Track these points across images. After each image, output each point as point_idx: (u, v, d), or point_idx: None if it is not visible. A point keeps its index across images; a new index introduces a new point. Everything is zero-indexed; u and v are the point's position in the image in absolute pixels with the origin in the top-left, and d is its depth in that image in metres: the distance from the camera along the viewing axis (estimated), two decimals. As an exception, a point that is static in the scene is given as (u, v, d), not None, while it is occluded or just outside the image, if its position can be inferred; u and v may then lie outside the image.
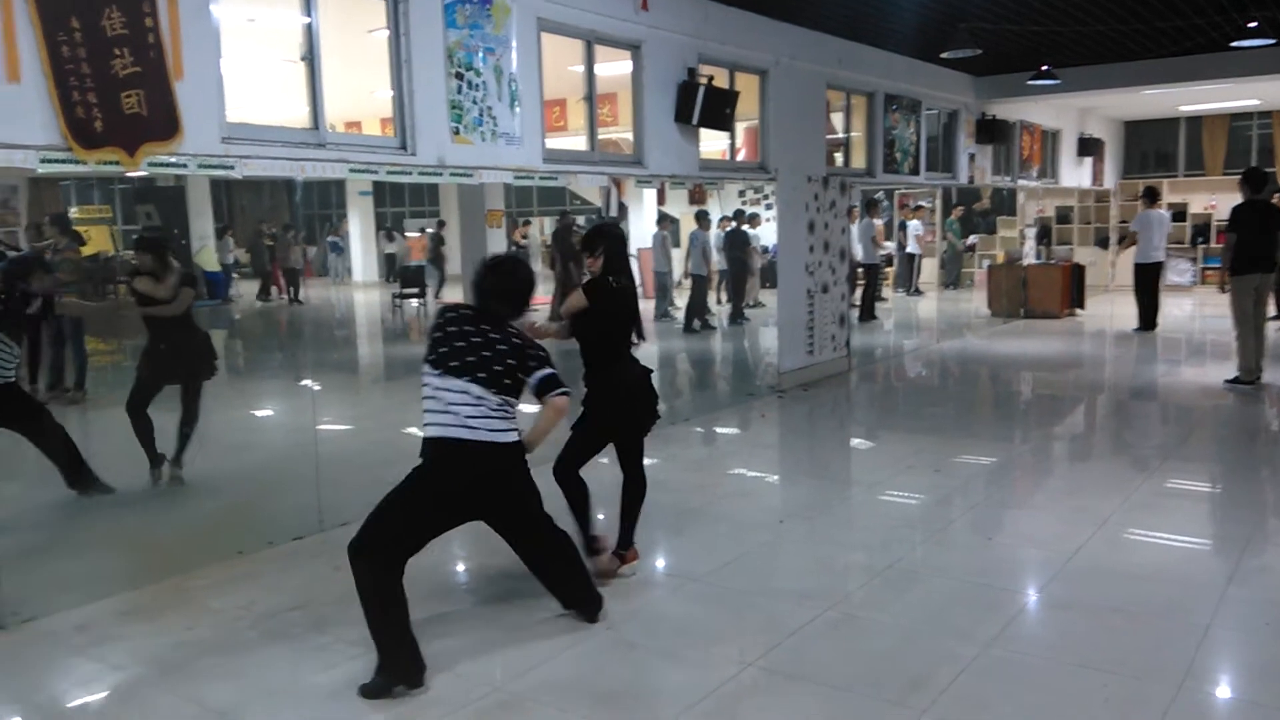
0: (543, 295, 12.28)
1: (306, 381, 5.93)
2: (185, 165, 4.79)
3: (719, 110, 8.07)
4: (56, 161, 4.32)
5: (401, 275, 17.76)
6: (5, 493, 5.67)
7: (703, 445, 7.70)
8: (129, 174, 4.90)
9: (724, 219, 15.60)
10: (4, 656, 3.94)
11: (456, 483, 3.71)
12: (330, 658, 3.83)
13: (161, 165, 4.69)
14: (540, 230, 22.29)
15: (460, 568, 5.00)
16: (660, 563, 4.85)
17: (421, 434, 3.77)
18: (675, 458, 7.00)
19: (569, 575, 4.11)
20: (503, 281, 3.87)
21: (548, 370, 3.78)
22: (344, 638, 3.99)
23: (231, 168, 5.00)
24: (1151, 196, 13.07)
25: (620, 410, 4.50)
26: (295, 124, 5.57)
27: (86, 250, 12.87)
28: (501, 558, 4.90)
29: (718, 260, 15.04)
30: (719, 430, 8.12)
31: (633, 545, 4.64)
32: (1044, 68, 11.39)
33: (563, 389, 3.79)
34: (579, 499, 4.49)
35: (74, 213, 18.24)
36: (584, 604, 4.11)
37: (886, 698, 3.45)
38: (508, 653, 3.85)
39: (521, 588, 4.45)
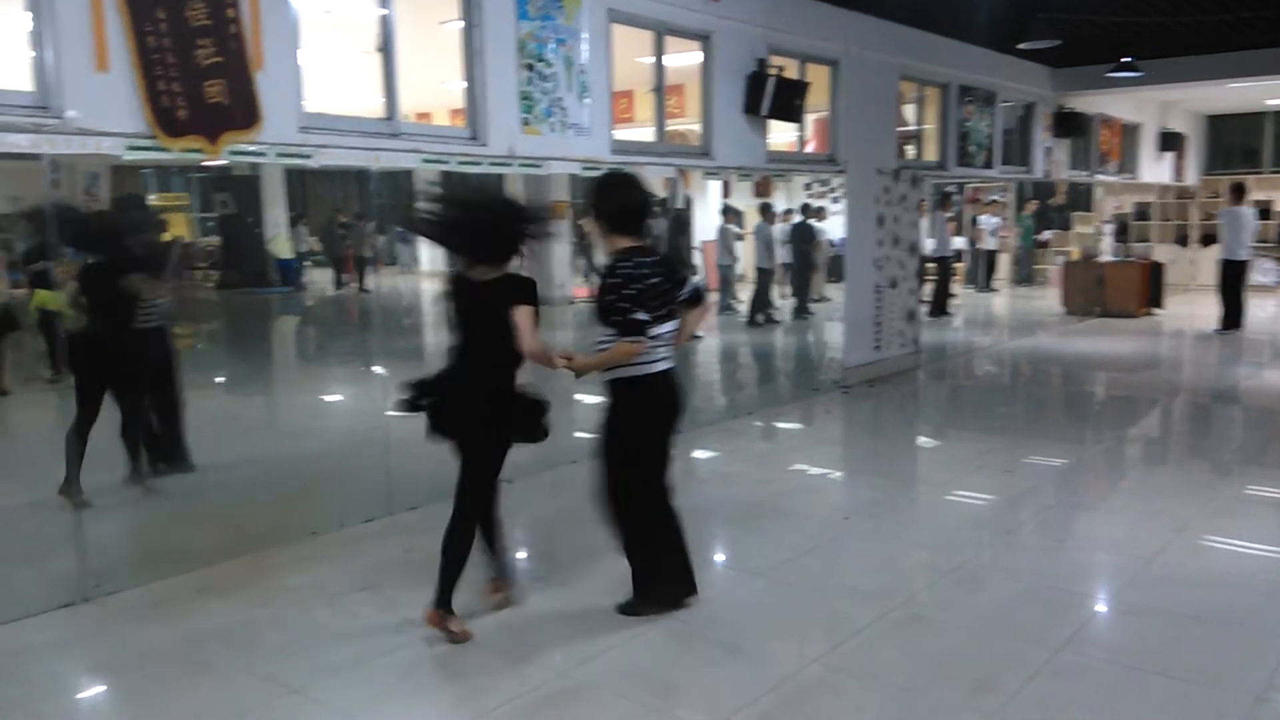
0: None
1: (376, 368, 6.02)
2: (264, 154, 4.90)
3: (789, 101, 7.99)
4: (142, 149, 4.45)
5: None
6: (90, 469, 5.86)
7: (766, 440, 7.66)
8: (208, 162, 5.01)
9: (787, 212, 15.46)
10: (86, 628, 4.09)
11: (681, 404, 4.03)
12: (398, 639, 3.89)
13: (241, 154, 4.80)
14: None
15: (523, 554, 5.05)
16: (722, 556, 4.84)
17: (636, 373, 3.86)
18: (738, 452, 6.98)
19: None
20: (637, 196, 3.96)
21: (692, 280, 4.08)
22: (411, 619, 4.05)
23: (309, 157, 5.10)
24: (1239, 192, 12.64)
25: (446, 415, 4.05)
26: (369, 114, 5.65)
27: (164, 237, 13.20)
28: (564, 545, 4.94)
29: (782, 254, 14.91)
30: (782, 425, 8.07)
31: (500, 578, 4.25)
32: (1125, 60, 11.07)
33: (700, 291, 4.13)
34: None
35: (153, 200, 18.76)
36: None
37: (953, 699, 3.39)
38: (570, 639, 3.87)
39: (585, 575, 4.48)
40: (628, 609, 4.06)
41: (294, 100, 5.01)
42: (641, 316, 3.74)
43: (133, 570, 4.60)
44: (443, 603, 3.84)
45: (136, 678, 3.70)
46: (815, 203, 15.57)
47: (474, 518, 4.03)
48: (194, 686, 3.59)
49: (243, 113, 4.72)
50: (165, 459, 6.04)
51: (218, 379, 9.02)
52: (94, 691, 3.65)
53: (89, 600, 4.29)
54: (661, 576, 4.05)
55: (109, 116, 4.32)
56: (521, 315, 3.74)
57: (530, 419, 4.02)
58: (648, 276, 3.80)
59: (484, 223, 3.86)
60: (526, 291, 3.80)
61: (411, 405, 4.00)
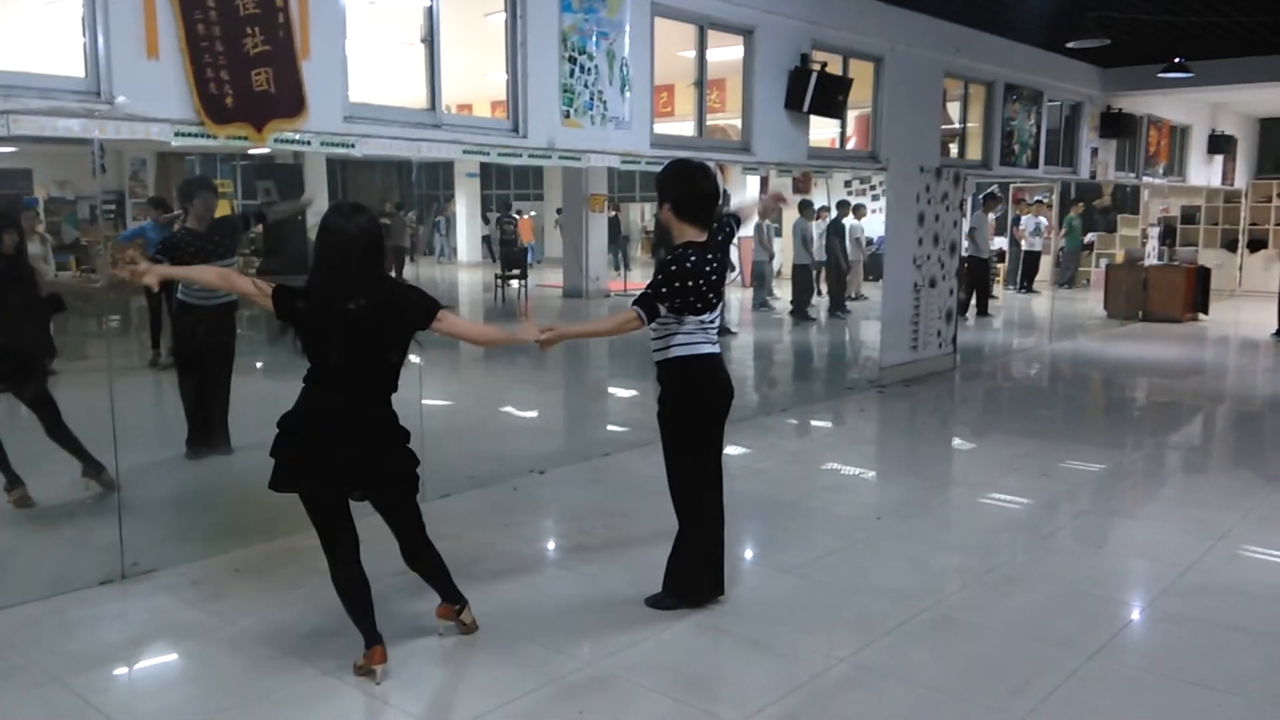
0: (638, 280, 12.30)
1: (412, 357, 6.06)
2: (309, 142, 4.95)
3: (831, 97, 7.95)
4: (189, 135, 4.51)
5: (504, 256, 18.01)
6: (128, 448, 5.96)
7: (798, 437, 7.63)
8: (252, 150, 5.08)
9: (821, 209, 15.33)
10: (124, 606, 4.17)
11: (728, 387, 4.03)
12: (427, 624, 3.93)
13: (287, 142, 4.86)
14: (641, 217, 22.34)
15: (550, 545, 5.08)
16: (751, 553, 4.83)
17: (685, 353, 3.88)
18: (771, 449, 6.96)
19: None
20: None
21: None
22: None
23: (352, 146, 5.15)
24: None
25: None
26: (412, 105, 5.70)
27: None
28: (595, 538, 4.96)
29: (818, 250, 14.83)
30: (816, 423, 8.03)
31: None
32: (1176, 60, 10.86)
33: None
34: None
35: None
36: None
37: (983, 702, 3.37)
38: (599, 630, 3.89)
39: (614, 567, 4.50)
40: (656, 602, 4.07)
41: (339, 90, 5.06)
42: (661, 307, 3.80)
43: (171, 549, 4.68)
44: (450, 597, 3.81)
45: (171, 655, 3.77)
46: (853, 200, 15.46)
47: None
48: (227, 666, 3.65)
49: (289, 101, 4.78)
50: (207, 440, 6.14)
51: (257, 363, 9.15)
52: (128, 668, 3.71)
53: (127, 578, 4.38)
54: (695, 572, 4.05)
55: (158, 102, 4.39)
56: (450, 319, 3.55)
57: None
58: (700, 270, 3.83)
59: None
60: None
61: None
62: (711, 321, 3.95)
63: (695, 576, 4.07)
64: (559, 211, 21.67)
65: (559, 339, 3.86)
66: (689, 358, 3.90)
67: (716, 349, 3.99)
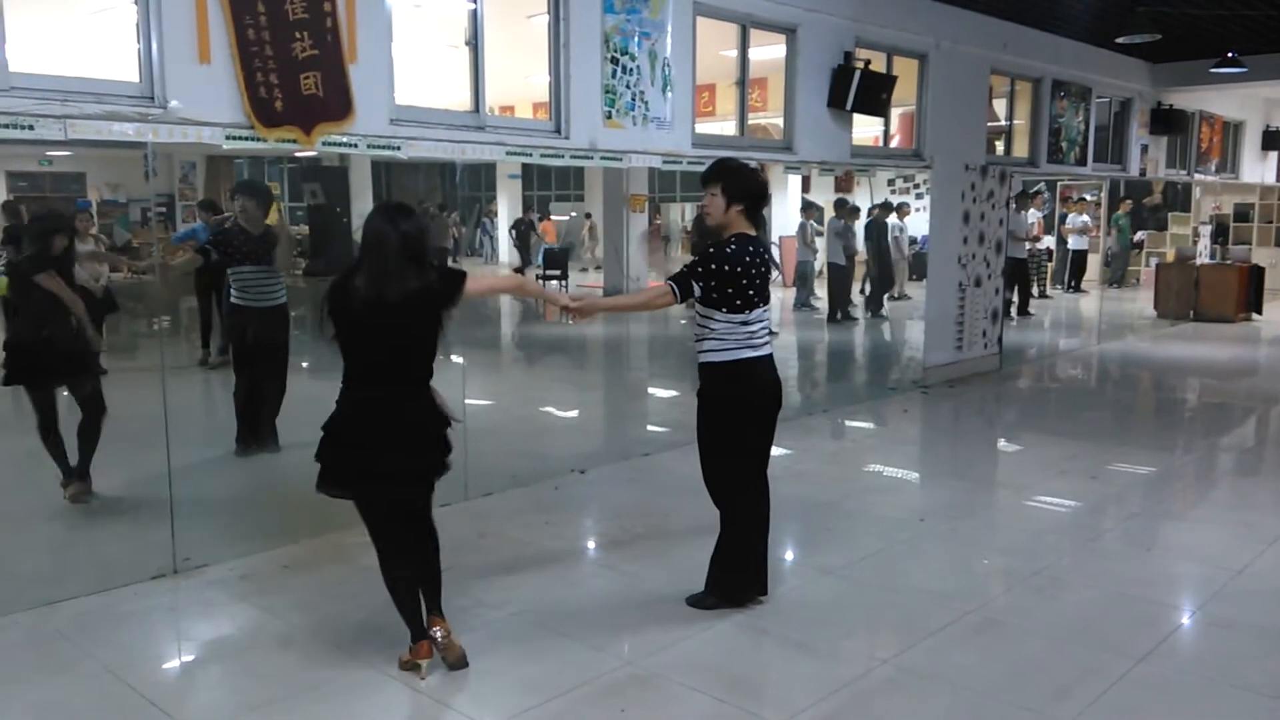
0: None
1: (455, 357, 6.12)
2: (355, 145, 5.03)
3: (875, 95, 7.90)
4: (240, 139, 4.60)
5: (545, 257, 18.11)
6: (180, 446, 6.08)
7: (841, 438, 7.58)
8: (299, 153, 5.16)
9: (853, 208, 15.13)
10: (176, 600, 4.26)
11: (772, 391, 4.00)
12: (471, 620, 3.97)
13: (334, 145, 4.94)
14: (681, 217, 22.31)
15: (591, 544, 5.10)
16: (792, 554, 4.82)
17: (716, 359, 3.88)
18: (812, 450, 6.93)
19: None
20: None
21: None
22: (484, 600, 4.13)
23: (398, 148, 5.22)
24: None
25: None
26: (457, 107, 5.76)
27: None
28: (634, 535, 4.98)
29: (861, 250, 14.71)
30: (858, 424, 7.98)
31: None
32: (1229, 54, 10.64)
33: None
34: None
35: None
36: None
37: (1028, 706, 3.33)
38: (640, 629, 3.90)
39: (656, 565, 4.51)
40: (697, 601, 4.07)
41: (385, 93, 5.13)
42: (695, 286, 3.82)
43: (222, 545, 4.78)
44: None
45: (220, 649, 3.85)
46: (895, 199, 15.32)
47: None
48: (275, 660, 3.72)
49: (336, 105, 4.85)
50: (256, 437, 6.24)
51: (303, 363, 9.29)
52: (179, 661, 3.80)
53: (179, 573, 4.48)
54: (736, 572, 4.06)
55: (209, 107, 4.49)
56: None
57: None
58: (741, 259, 3.83)
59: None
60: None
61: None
62: (754, 323, 3.91)
63: (736, 575, 4.06)
64: (588, 216, 21.76)
65: (591, 310, 3.93)
66: (722, 364, 3.89)
67: (760, 353, 3.95)
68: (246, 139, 4.60)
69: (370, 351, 3.38)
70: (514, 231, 19.35)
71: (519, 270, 16.90)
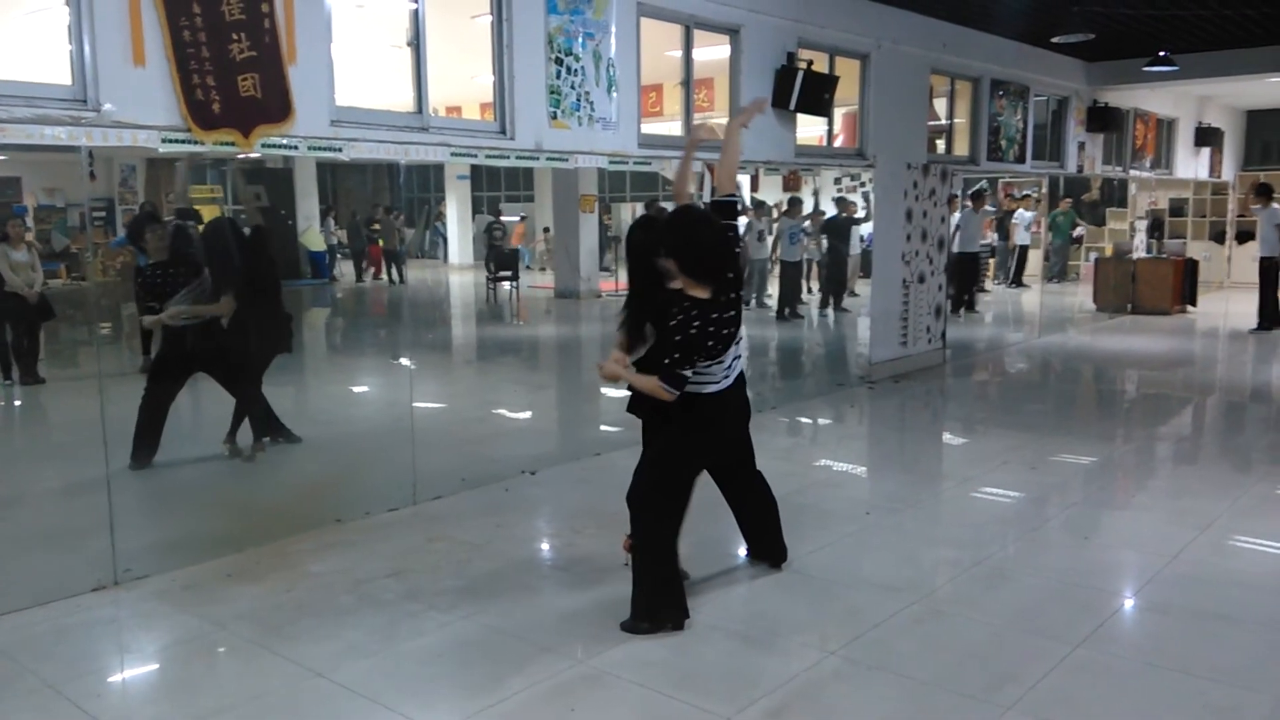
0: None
1: (404, 360, 6.09)
2: (296, 147, 4.97)
3: (817, 95, 7.98)
4: (176, 142, 4.53)
5: (496, 259, 18.06)
6: (119, 455, 5.98)
7: (789, 434, 7.66)
8: (241, 155, 5.09)
9: (811, 213, 15.30)
10: (117, 612, 4.18)
11: (727, 426, 4.13)
12: (422, 624, 3.95)
13: (274, 147, 4.88)
14: (631, 216, 22.39)
15: (542, 545, 5.10)
16: (744, 549, 4.86)
17: (693, 390, 3.89)
18: (761, 446, 6.93)
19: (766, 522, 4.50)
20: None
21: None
22: (436, 605, 4.11)
23: (339, 150, 5.17)
24: (1266, 193, 12.41)
25: None
26: (399, 108, 5.71)
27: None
28: (586, 537, 4.99)
29: (813, 249, 14.89)
30: (806, 420, 8.06)
31: None
32: (1161, 53, 10.92)
33: None
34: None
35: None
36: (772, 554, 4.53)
37: (971, 693, 3.40)
38: (590, 628, 3.91)
39: (607, 565, 4.52)
40: (627, 626, 3.92)
41: (326, 94, 5.07)
42: (685, 373, 3.79)
43: (162, 555, 4.70)
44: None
45: (163, 660, 3.79)
46: (848, 196, 15.50)
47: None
48: (220, 669, 3.67)
49: (275, 106, 4.79)
50: (152, 452, 6.21)
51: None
52: (122, 674, 3.73)
53: (120, 584, 4.39)
54: (662, 595, 3.94)
55: (145, 110, 4.41)
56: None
57: None
58: (713, 327, 3.79)
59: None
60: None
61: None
62: (726, 363, 3.92)
63: (664, 599, 3.94)
64: (546, 231, 21.77)
65: (615, 377, 3.93)
66: (690, 395, 3.88)
67: (723, 385, 3.94)
68: (184, 142, 4.53)
69: None
70: (488, 235, 19.30)
71: (494, 278, 16.85)
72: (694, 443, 3.99)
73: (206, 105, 4.54)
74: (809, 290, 15.45)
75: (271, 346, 6.65)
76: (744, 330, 4.06)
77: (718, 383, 3.95)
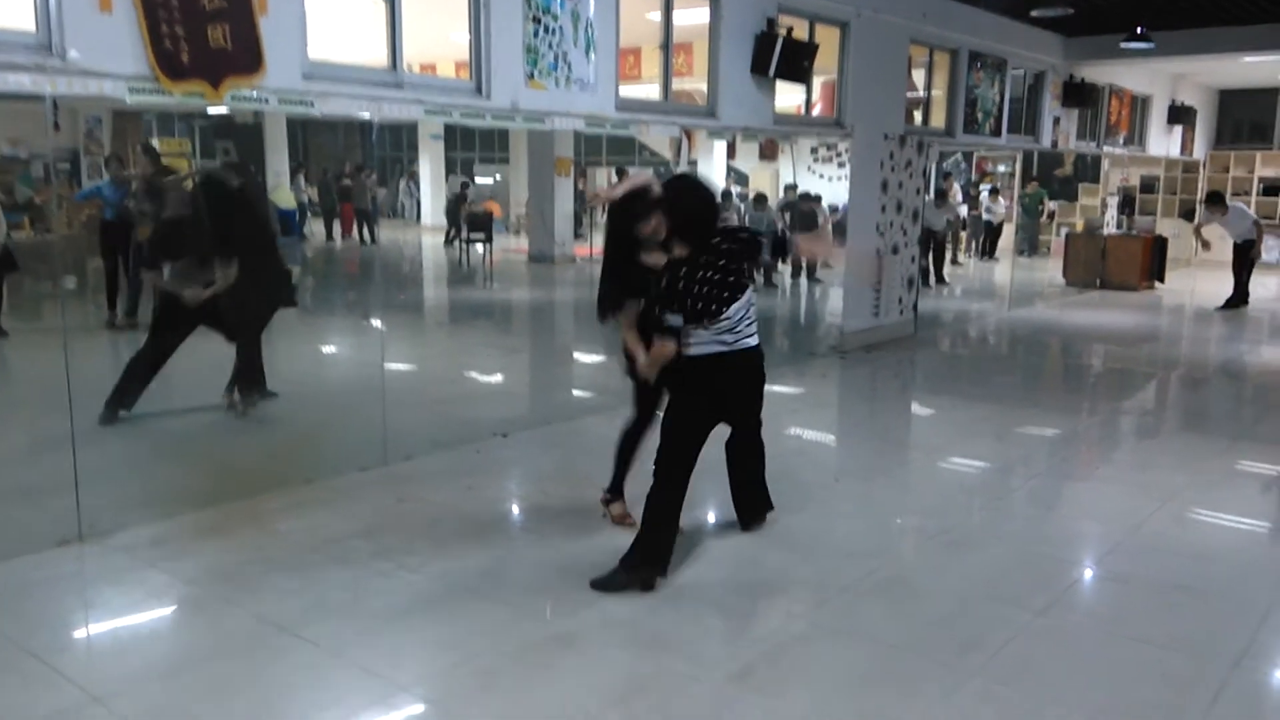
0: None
1: (375, 320, 6.04)
2: (266, 100, 4.88)
3: (797, 63, 7.94)
4: (144, 92, 4.43)
5: (469, 219, 17.90)
6: (85, 410, 5.90)
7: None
8: (210, 108, 4.98)
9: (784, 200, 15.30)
10: (82, 567, 4.14)
11: (729, 386, 4.18)
12: (390, 583, 3.95)
13: (244, 100, 4.78)
14: (608, 181, 22.23)
15: (512, 507, 5.10)
16: (712, 516, 4.89)
17: (691, 353, 4.01)
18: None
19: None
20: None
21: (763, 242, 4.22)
22: (405, 564, 4.11)
23: (311, 105, 5.08)
24: (1219, 201, 12.61)
25: None
26: (373, 64, 5.62)
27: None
28: (557, 498, 5.00)
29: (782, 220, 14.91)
30: (777, 389, 8.09)
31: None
32: (1138, 30, 10.96)
33: None
34: None
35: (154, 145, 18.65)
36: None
37: (936, 658, 3.46)
38: (560, 590, 3.93)
39: (578, 529, 4.53)
40: (598, 583, 3.95)
41: (298, 47, 4.97)
42: (674, 321, 3.94)
43: (130, 511, 4.65)
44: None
45: (130, 615, 3.76)
46: (819, 172, 15.49)
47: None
48: (187, 626, 3.66)
49: (246, 58, 4.69)
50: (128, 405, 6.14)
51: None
52: (86, 629, 3.70)
53: (84, 540, 4.35)
54: (651, 556, 4.01)
55: (111, 58, 4.30)
56: None
57: None
58: (698, 286, 3.91)
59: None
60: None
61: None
62: (731, 320, 3.97)
63: (651, 560, 4.00)
64: (526, 206, 21.58)
65: (662, 357, 4.05)
66: (688, 359, 4.01)
67: (725, 347, 3.99)
68: (151, 92, 4.42)
69: None
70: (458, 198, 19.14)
71: (468, 240, 16.72)
72: (691, 403, 4.06)
73: (175, 55, 4.44)
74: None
75: (273, 301, 6.60)
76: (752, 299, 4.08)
77: (705, 345, 3.98)
